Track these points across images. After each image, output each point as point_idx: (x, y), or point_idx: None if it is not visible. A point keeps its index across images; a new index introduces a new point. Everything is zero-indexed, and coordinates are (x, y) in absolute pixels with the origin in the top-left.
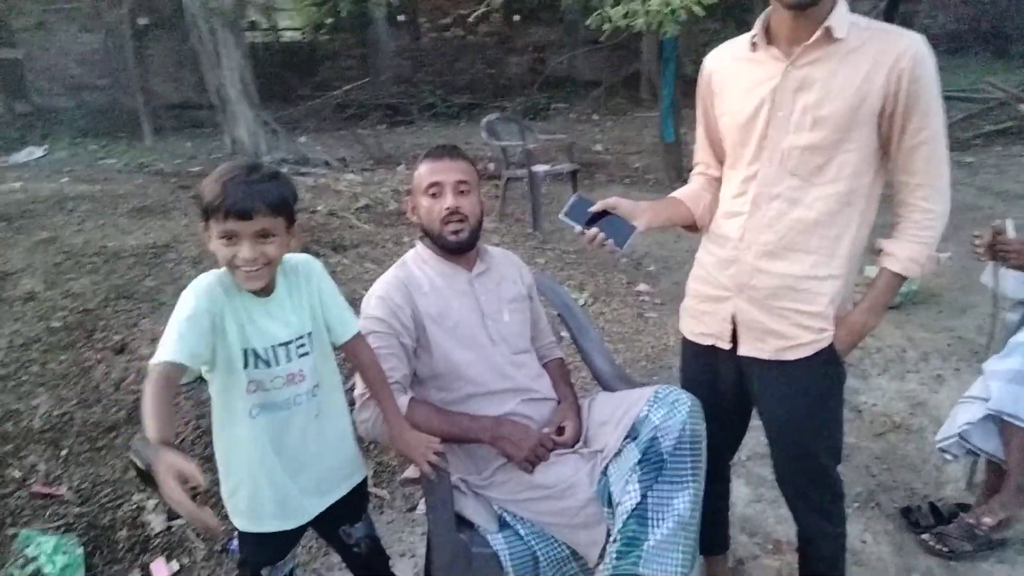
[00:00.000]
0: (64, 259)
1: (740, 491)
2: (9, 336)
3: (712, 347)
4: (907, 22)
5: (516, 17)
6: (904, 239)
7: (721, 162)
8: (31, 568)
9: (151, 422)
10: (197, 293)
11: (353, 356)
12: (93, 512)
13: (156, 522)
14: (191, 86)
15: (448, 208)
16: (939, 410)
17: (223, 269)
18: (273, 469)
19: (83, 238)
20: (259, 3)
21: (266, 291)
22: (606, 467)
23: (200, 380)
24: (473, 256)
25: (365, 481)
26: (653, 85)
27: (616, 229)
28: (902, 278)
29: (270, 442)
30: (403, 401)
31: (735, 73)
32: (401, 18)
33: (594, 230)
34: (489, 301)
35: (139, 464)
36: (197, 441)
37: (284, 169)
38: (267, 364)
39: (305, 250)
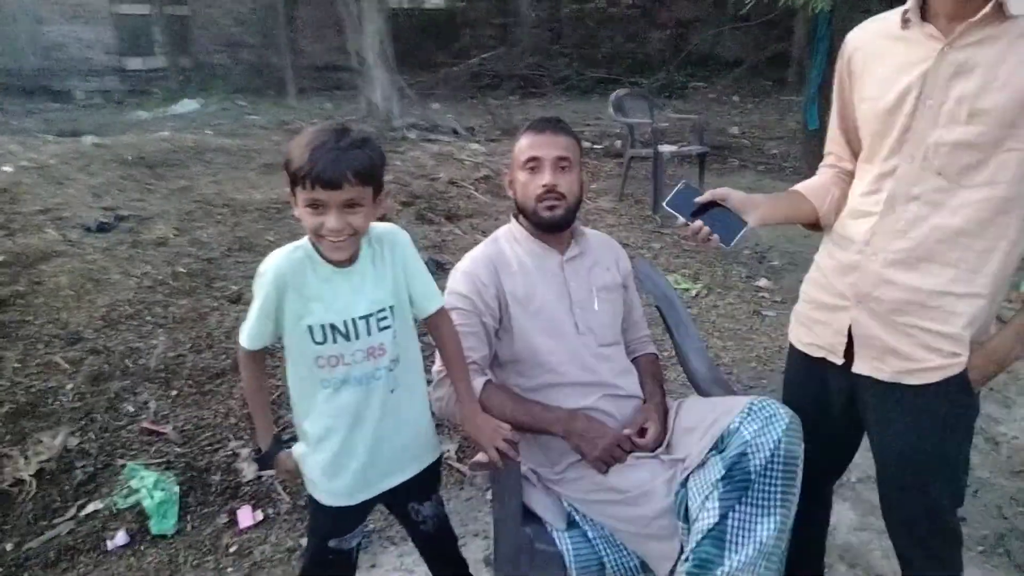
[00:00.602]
0: (196, 208)
1: (845, 515)
2: (139, 277)
3: (823, 360)
4: None
5: None
6: None
7: (856, 155)
8: (133, 499)
9: (256, 419)
10: (265, 278)
11: (434, 330)
12: (192, 454)
13: (248, 471)
14: (335, 49)
15: (545, 185)
16: None
17: (303, 240)
18: (348, 442)
19: (215, 189)
20: None
21: (349, 261)
22: (687, 478)
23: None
24: (567, 237)
25: (439, 460)
26: (802, 67)
27: (724, 223)
28: None
29: (347, 415)
30: (478, 383)
31: (881, 53)
32: None
33: (698, 223)
34: (579, 287)
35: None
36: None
37: (412, 135)
38: (346, 337)
39: (420, 217)
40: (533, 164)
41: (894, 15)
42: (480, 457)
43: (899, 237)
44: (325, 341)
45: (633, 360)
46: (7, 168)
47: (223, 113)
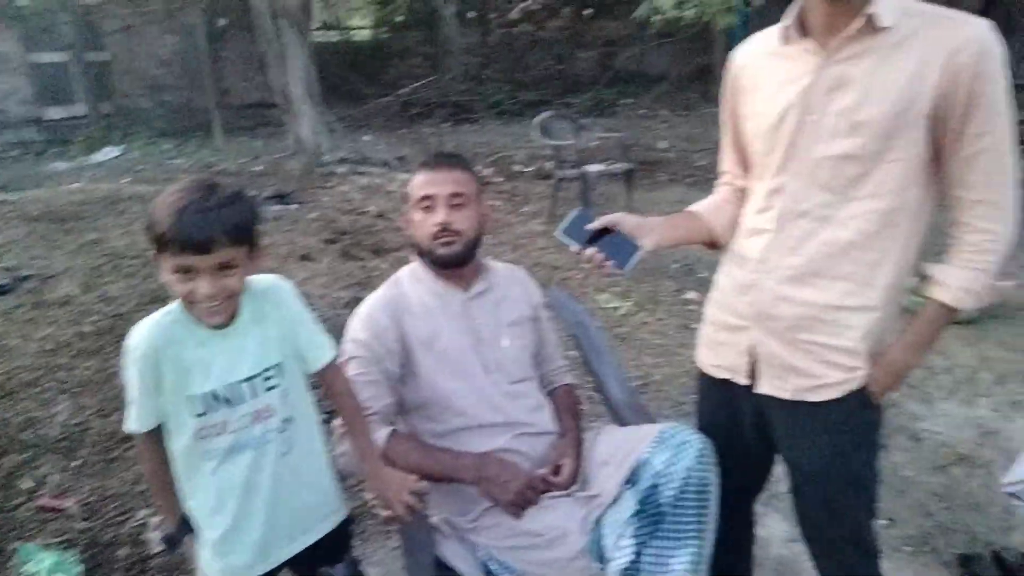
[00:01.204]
0: (105, 262)
1: (777, 528)
2: (40, 340)
3: (729, 381)
4: (1009, 6)
5: (587, 11)
6: (957, 265)
7: (748, 171)
8: None
9: (160, 501)
10: (137, 353)
11: (327, 385)
12: (97, 528)
13: (158, 541)
14: (261, 86)
15: (439, 223)
16: (1013, 441)
17: (174, 304)
18: (241, 514)
19: (127, 241)
20: (330, 3)
21: (227, 321)
22: (601, 516)
23: None
24: (471, 274)
25: (349, 519)
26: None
27: (619, 249)
28: (953, 310)
29: (237, 486)
30: (382, 434)
31: (764, 69)
32: (471, 15)
33: (592, 250)
34: (486, 325)
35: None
36: None
37: (342, 169)
38: (229, 403)
39: (345, 253)
40: (427, 203)
41: (774, 31)
42: (388, 512)
43: (791, 254)
44: (207, 411)
45: (550, 392)
46: None
47: (146, 158)
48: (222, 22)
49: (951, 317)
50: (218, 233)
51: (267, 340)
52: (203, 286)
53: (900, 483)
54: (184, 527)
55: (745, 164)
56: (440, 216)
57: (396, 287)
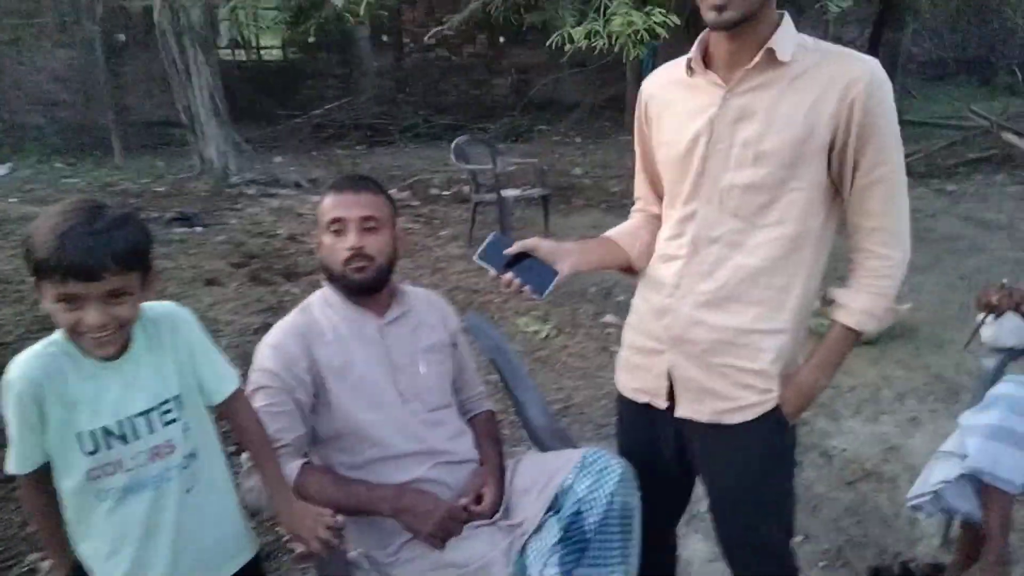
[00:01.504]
0: None
1: (697, 548)
2: None
3: (648, 405)
4: (893, 49)
5: (501, 39)
6: (858, 289)
7: (661, 198)
8: None
9: (49, 546)
10: (14, 390)
11: (232, 416)
12: None
13: None
14: (164, 104)
15: (350, 248)
16: (914, 456)
17: (56, 334)
18: (144, 554)
19: (14, 264)
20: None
21: (118, 352)
22: (525, 544)
23: None
24: (385, 300)
25: (257, 558)
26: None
27: (535, 274)
28: (856, 333)
29: (136, 527)
30: (294, 466)
31: (672, 99)
32: (385, 38)
33: (510, 275)
34: (401, 352)
35: None
36: None
37: (252, 190)
38: (123, 439)
39: (255, 278)
40: (337, 226)
41: (681, 62)
42: (302, 548)
43: (705, 279)
44: (98, 449)
45: (470, 420)
46: None
47: (38, 177)
48: (121, 37)
49: (855, 339)
50: (107, 259)
51: (164, 371)
52: (91, 316)
53: (814, 500)
54: (77, 573)
55: (658, 190)
56: (351, 240)
57: (306, 313)
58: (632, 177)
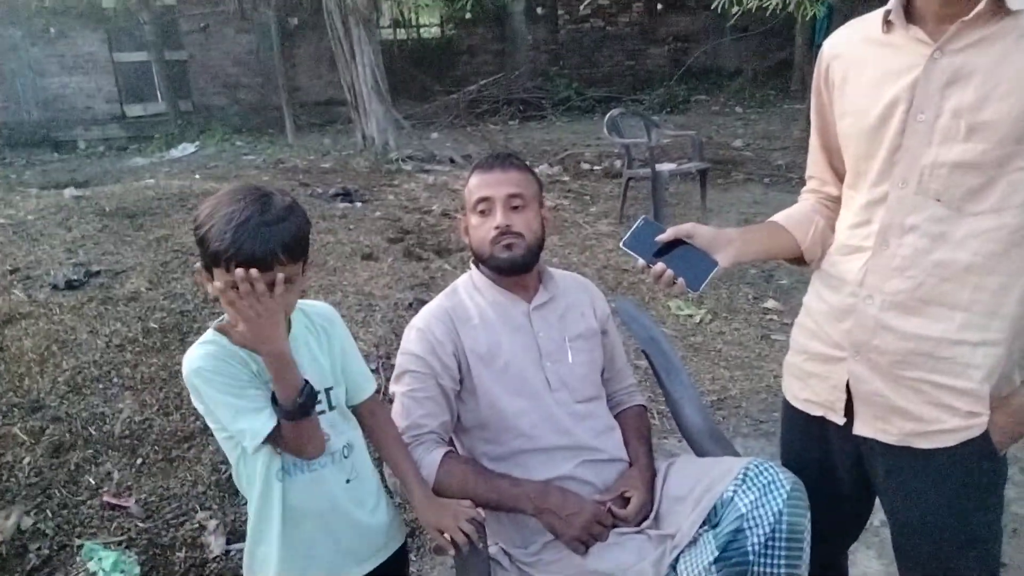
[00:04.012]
0: (173, 258)
1: (871, 567)
2: (108, 336)
3: (822, 418)
4: None
5: (659, 6)
6: None
7: (841, 178)
8: None
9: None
10: (204, 370)
11: (369, 416)
12: (156, 528)
13: (215, 545)
14: (331, 84)
15: (498, 226)
16: None
17: (209, 334)
18: (301, 536)
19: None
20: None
21: None
22: (677, 558)
23: None
24: (533, 283)
25: (405, 545)
26: (804, 74)
27: (691, 264)
28: None
29: (297, 507)
30: (436, 455)
31: (861, 61)
32: (540, 11)
33: (661, 265)
34: (550, 338)
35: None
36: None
37: (409, 166)
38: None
39: (408, 253)
40: (484, 206)
41: (875, 17)
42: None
43: (896, 276)
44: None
45: (618, 414)
46: None
47: (220, 155)
48: (294, 21)
49: None
50: (278, 249)
51: (319, 363)
52: None
53: (1015, 521)
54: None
55: (836, 169)
56: (499, 218)
57: (453, 297)
58: (799, 149)
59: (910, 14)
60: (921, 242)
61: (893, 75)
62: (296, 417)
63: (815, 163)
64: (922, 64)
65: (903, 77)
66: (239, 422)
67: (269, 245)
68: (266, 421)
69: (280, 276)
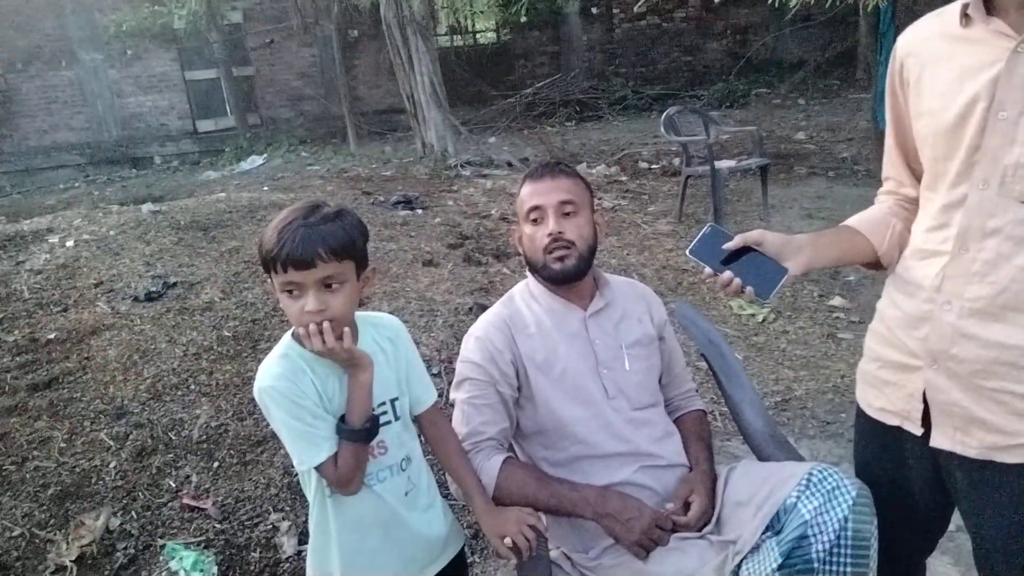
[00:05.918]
0: (244, 268)
1: (948, 574)
2: (185, 345)
3: (898, 428)
4: None
5: (716, 0)
6: None
7: (919, 179)
8: None
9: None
10: (276, 390)
11: (431, 426)
12: (232, 529)
13: (288, 546)
14: (391, 93)
15: (550, 234)
16: None
17: (284, 345)
18: (362, 547)
19: None
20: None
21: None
22: (739, 564)
23: None
24: (588, 290)
25: (462, 550)
26: (869, 63)
27: (760, 272)
28: None
29: (355, 520)
30: (496, 461)
31: (939, 57)
32: (595, 11)
33: (729, 273)
34: (606, 346)
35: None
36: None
37: (467, 171)
38: None
39: (468, 258)
40: (536, 214)
41: (951, 11)
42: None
43: (977, 281)
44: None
45: (677, 420)
46: (69, 243)
47: (286, 166)
48: (354, 33)
49: None
50: (319, 247)
51: (384, 373)
52: (309, 302)
53: None
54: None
55: (913, 169)
56: (551, 226)
57: (510, 305)
58: (865, 140)
59: (990, 6)
60: (1004, 246)
61: (972, 71)
62: (360, 439)
63: (891, 163)
64: (1004, 59)
65: (983, 73)
66: (295, 444)
67: (309, 243)
68: (318, 452)
69: (347, 331)
